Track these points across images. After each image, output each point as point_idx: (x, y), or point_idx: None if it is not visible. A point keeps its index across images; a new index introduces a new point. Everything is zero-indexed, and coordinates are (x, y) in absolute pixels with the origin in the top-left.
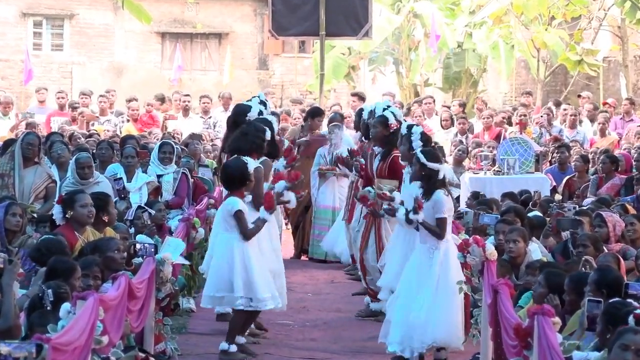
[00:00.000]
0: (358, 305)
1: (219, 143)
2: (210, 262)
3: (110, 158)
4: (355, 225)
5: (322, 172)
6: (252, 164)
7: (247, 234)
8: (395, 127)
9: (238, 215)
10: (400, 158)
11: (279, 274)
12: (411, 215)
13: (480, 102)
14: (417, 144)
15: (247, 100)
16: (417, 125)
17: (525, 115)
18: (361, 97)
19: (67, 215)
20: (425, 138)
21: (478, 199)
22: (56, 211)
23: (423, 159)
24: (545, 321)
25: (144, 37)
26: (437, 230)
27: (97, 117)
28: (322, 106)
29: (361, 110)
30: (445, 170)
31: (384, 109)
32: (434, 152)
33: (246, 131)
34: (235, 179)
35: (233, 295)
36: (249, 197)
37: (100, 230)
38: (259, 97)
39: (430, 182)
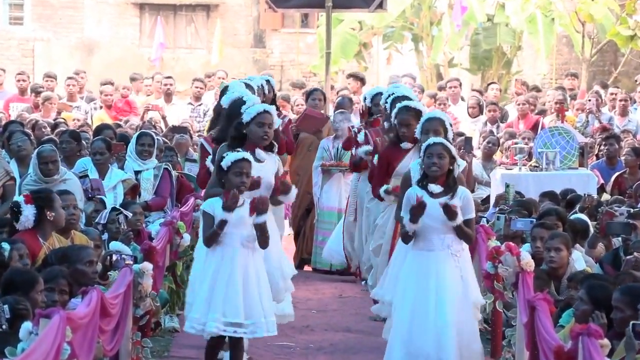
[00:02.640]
0: (371, 326)
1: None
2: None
3: (75, 152)
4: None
5: (325, 168)
6: (232, 155)
7: (205, 239)
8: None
9: (202, 216)
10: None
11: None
12: (448, 222)
13: (519, 85)
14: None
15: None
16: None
17: (561, 103)
18: (359, 79)
19: (48, 217)
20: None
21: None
22: (29, 213)
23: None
24: (592, 343)
25: (119, 9)
26: (472, 234)
27: (71, 106)
28: (328, 91)
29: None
30: (461, 165)
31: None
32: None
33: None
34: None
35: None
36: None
37: (67, 235)
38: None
39: (450, 180)
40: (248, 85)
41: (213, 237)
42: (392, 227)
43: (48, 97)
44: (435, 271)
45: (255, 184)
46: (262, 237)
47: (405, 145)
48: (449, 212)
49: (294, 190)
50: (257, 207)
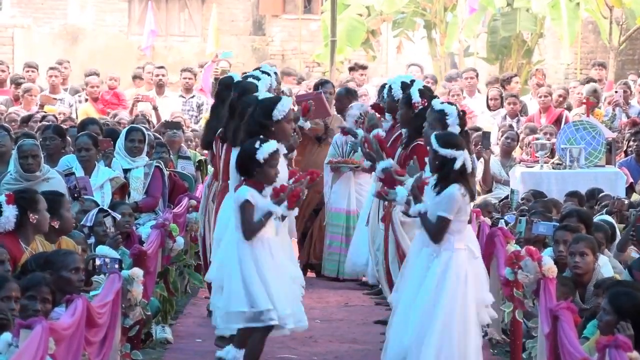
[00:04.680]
0: (379, 337)
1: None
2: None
3: (59, 149)
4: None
5: (333, 166)
6: (268, 147)
7: (246, 231)
8: (420, 106)
9: (243, 207)
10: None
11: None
12: (411, 209)
13: (540, 75)
14: (455, 129)
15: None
16: (452, 104)
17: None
18: (361, 67)
19: (31, 220)
20: (463, 122)
21: (533, 200)
22: (10, 214)
23: (435, 145)
24: (621, 356)
25: None
26: (432, 228)
27: (55, 99)
28: (334, 81)
29: (384, 86)
30: (466, 158)
31: (406, 85)
32: (450, 136)
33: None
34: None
35: (254, 311)
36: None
37: (53, 240)
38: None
39: (444, 173)
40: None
41: (259, 229)
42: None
43: (28, 89)
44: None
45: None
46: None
47: None
48: (416, 189)
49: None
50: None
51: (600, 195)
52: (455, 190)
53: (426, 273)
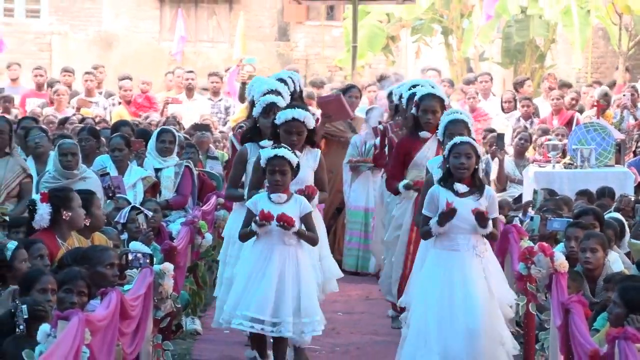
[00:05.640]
0: (399, 329)
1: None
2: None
3: (94, 149)
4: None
5: (352, 165)
6: (266, 153)
7: (239, 234)
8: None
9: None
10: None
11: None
12: (479, 229)
13: (552, 79)
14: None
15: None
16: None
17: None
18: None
19: (64, 217)
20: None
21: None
22: (44, 212)
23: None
24: (629, 348)
25: (138, 1)
26: (497, 234)
27: (91, 102)
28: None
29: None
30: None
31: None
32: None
33: None
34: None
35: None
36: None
37: (86, 236)
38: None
39: (477, 178)
40: (282, 81)
41: (246, 236)
42: (410, 219)
43: (57, 91)
44: (460, 271)
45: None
46: (305, 239)
47: (425, 134)
48: (482, 219)
49: (316, 197)
50: (307, 195)
51: (619, 195)
52: (492, 190)
53: (472, 275)
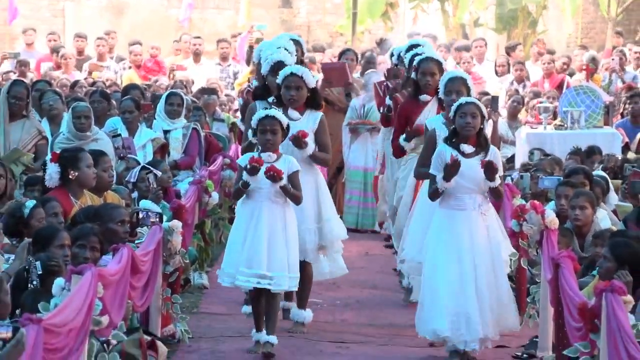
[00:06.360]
0: (397, 283)
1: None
2: None
3: (105, 111)
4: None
5: (352, 127)
6: (257, 114)
7: (232, 192)
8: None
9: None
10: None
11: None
12: (488, 183)
13: (540, 45)
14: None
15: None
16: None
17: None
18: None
19: (70, 177)
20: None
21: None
22: (52, 171)
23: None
24: (615, 300)
25: None
26: (502, 191)
27: (102, 66)
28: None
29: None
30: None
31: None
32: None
33: None
34: None
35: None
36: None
37: (100, 194)
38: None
39: (482, 138)
40: (296, 42)
41: (237, 193)
42: (414, 180)
43: (62, 55)
44: (468, 230)
45: (297, 141)
46: (289, 197)
47: (425, 97)
48: (491, 170)
49: (310, 147)
50: (296, 142)
51: (605, 154)
52: (497, 150)
53: (478, 234)
